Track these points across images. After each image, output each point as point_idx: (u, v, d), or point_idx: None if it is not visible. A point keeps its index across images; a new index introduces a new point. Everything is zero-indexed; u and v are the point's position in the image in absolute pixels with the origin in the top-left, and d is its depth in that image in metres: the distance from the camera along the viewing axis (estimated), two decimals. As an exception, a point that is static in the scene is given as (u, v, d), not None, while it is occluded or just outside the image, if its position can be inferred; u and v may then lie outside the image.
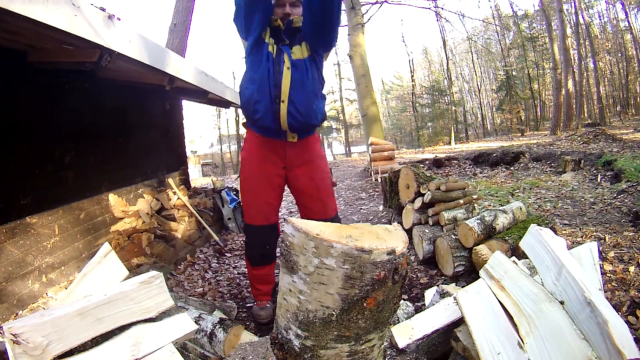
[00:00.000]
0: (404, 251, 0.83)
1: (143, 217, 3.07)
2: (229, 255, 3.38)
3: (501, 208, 2.47)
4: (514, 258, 1.34)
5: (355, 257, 0.78)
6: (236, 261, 3.22)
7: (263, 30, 1.90)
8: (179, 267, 2.95)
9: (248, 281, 2.44)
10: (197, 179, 11.62)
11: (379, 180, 5.62)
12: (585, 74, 20.30)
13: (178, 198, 3.65)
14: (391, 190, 3.33)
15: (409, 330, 1.33)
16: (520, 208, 2.51)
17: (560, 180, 4.71)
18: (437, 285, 2.02)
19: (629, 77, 21.14)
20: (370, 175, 6.80)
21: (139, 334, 1.02)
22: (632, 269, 1.85)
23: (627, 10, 19.17)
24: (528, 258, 1.28)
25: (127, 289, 1.04)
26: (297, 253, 0.83)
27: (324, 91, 2.10)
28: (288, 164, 2.00)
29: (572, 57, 15.05)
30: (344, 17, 11.72)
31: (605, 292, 1.52)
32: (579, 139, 8.14)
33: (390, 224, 0.94)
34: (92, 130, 2.91)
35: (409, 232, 2.76)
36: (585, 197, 3.75)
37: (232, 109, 6.65)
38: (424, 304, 1.82)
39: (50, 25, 1.50)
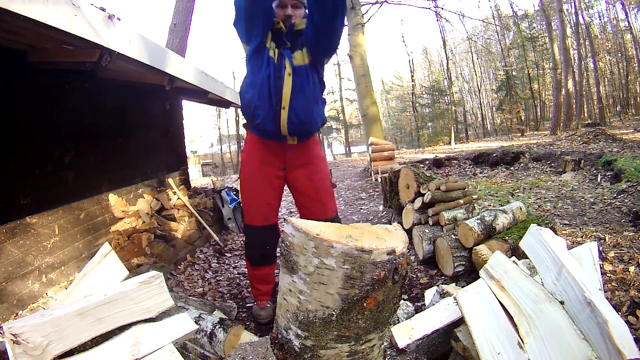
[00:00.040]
0: (404, 251, 0.83)
1: (143, 217, 3.07)
2: (229, 255, 3.38)
3: (501, 208, 2.47)
4: (514, 258, 1.34)
5: (355, 257, 0.78)
6: (236, 261, 3.22)
7: (265, 36, 1.86)
8: (179, 267, 2.95)
9: (248, 281, 2.44)
10: (197, 179, 11.62)
11: (379, 180, 5.63)
12: (585, 74, 20.30)
13: (178, 198, 3.65)
14: (391, 190, 3.33)
15: (409, 330, 1.33)
16: (520, 208, 2.51)
17: (560, 180, 4.71)
18: (437, 285, 2.02)
19: (629, 77, 21.14)
20: (370, 175, 6.80)
21: (139, 334, 1.02)
22: (632, 269, 1.85)
23: (627, 10, 19.17)
24: (528, 258, 1.28)
25: (127, 289, 1.04)
26: (297, 253, 0.83)
27: (325, 93, 2.10)
28: (288, 166, 2.01)
29: (572, 57, 15.05)
30: (344, 17, 11.72)
31: (605, 292, 1.52)
32: (579, 139, 8.14)
33: (390, 224, 0.94)
34: (92, 130, 2.91)
35: (409, 232, 2.76)
36: (585, 197, 3.75)
37: (232, 109, 6.65)
38: (424, 304, 1.82)
39: (50, 25, 1.50)
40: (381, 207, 4.34)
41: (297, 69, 1.85)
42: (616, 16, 21.40)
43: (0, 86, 2.11)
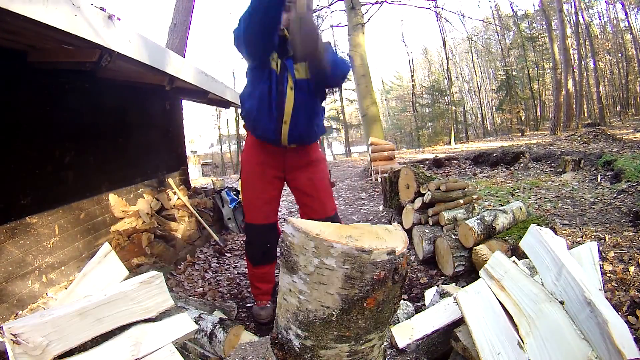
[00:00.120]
0: (404, 251, 0.83)
1: (143, 217, 3.07)
2: (229, 255, 3.38)
3: (501, 208, 2.47)
4: (514, 258, 1.34)
5: (355, 257, 0.78)
6: (236, 261, 3.22)
7: (270, 55, 1.81)
8: (179, 267, 2.95)
9: (248, 281, 2.44)
10: (197, 179, 11.62)
11: (379, 180, 5.63)
12: (585, 74, 20.29)
13: (178, 198, 3.65)
14: (391, 190, 3.33)
15: (409, 330, 1.33)
16: (520, 208, 2.51)
17: (560, 180, 4.71)
18: (437, 285, 2.02)
19: (629, 77, 21.13)
20: (370, 175, 6.80)
21: (139, 334, 1.02)
22: (632, 269, 1.85)
23: (627, 10, 19.17)
24: (528, 258, 1.28)
25: (127, 289, 1.04)
26: (297, 253, 0.83)
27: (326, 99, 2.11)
28: (287, 168, 2.03)
29: (572, 57, 15.05)
30: (344, 17, 11.74)
31: (605, 292, 1.52)
32: (579, 139, 8.14)
33: (390, 224, 0.95)
34: (92, 130, 2.91)
35: (409, 232, 2.76)
36: (585, 197, 3.75)
37: (232, 109, 6.65)
38: (424, 304, 1.82)
39: (50, 25, 1.50)
40: (381, 207, 4.34)
41: (299, 82, 1.82)
42: (616, 16, 21.41)
43: (0, 86, 2.11)
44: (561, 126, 13.74)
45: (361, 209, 4.72)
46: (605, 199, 3.58)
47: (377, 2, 10.70)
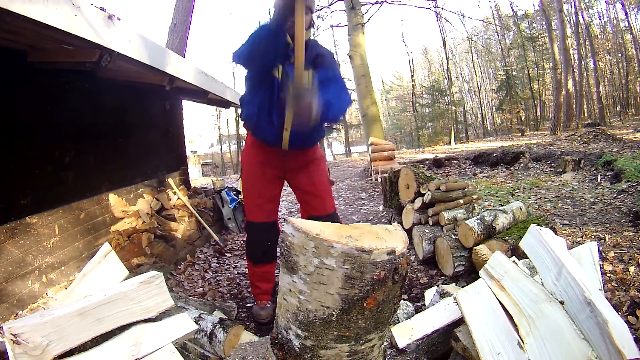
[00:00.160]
0: (404, 251, 0.83)
1: (143, 217, 3.07)
2: (229, 255, 3.38)
3: (501, 208, 2.47)
4: (514, 258, 1.34)
5: (355, 257, 0.78)
6: (236, 261, 3.22)
7: (275, 68, 1.80)
8: (179, 267, 2.95)
9: (248, 281, 2.45)
10: (197, 179, 11.62)
11: (379, 180, 5.62)
12: (585, 74, 20.29)
13: (178, 198, 3.65)
14: (391, 190, 3.33)
15: (409, 330, 1.33)
16: (520, 208, 2.50)
17: (560, 180, 4.71)
18: (437, 285, 2.02)
19: (629, 77, 21.13)
20: (370, 175, 6.80)
21: (139, 334, 1.02)
22: (632, 269, 1.85)
23: (627, 10, 19.16)
24: (528, 258, 1.28)
25: (127, 289, 1.04)
26: (297, 253, 0.83)
27: None
28: (287, 167, 2.05)
29: (572, 57, 15.05)
30: (344, 17, 11.73)
31: (605, 292, 1.52)
32: (579, 139, 8.14)
33: (390, 224, 0.95)
34: (92, 130, 2.91)
35: (409, 232, 2.76)
36: (585, 197, 3.75)
37: (232, 109, 6.65)
38: (424, 304, 1.82)
39: (50, 25, 1.50)
40: (381, 207, 4.34)
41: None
42: (616, 16, 21.41)
43: (0, 86, 2.11)
44: (561, 126, 13.74)
45: (361, 209, 4.72)
46: (605, 199, 3.58)
47: (377, 2, 10.70)
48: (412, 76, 25.17)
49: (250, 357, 1.12)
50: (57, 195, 2.50)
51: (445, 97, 23.67)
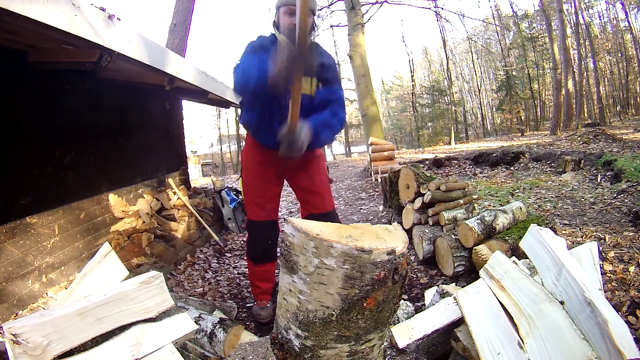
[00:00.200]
0: (404, 251, 0.83)
1: (143, 217, 3.07)
2: (229, 255, 3.38)
3: (501, 208, 2.47)
4: (514, 258, 1.34)
5: (355, 257, 0.78)
6: (236, 261, 3.22)
7: None
8: (179, 267, 2.95)
9: (248, 281, 2.45)
10: (197, 179, 11.62)
11: (379, 180, 5.62)
12: (585, 74, 20.29)
13: (178, 198, 3.65)
14: (391, 190, 3.33)
15: (409, 330, 1.33)
16: (520, 208, 2.50)
17: (560, 180, 4.71)
18: (437, 285, 2.02)
19: (629, 77, 21.13)
20: (370, 175, 6.80)
21: (139, 334, 1.02)
22: (632, 269, 1.85)
23: (627, 10, 19.16)
24: (528, 258, 1.28)
25: (127, 289, 1.04)
26: (297, 253, 0.83)
27: None
28: (287, 167, 2.06)
29: (572, 57, 15.05)
30: (344, 17, 11.73)
31: (605, 292, 1.52)
32: (579, 139, 8.14)
33: (390, 224, 0.94)
34: (92, 130, 2.91)
35: (409, 232, 2.76)
36: (585, 197, 3.75)
37: (232, 109, 6.65)
38: (424, 304, 1.82)
39: (50, 25, 1.50)
40: (381, 207, 4.34)
41: (302, 98, 1.75)
42: (616, 16, 21.41)
43: (0, 86, 2.11)
44: (561, 126, 13.74)
45: (361, 209, 4.72)
46: (605, 199, 3.58)
47: (377, 2, 10.70)
48: (412, 76, 25.17)
49: (250, 357, 1.12)
50: (57, 195, 2.50)
51: (445, 97, 23.68)
